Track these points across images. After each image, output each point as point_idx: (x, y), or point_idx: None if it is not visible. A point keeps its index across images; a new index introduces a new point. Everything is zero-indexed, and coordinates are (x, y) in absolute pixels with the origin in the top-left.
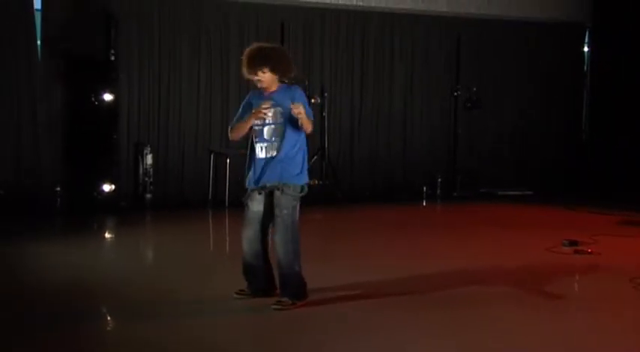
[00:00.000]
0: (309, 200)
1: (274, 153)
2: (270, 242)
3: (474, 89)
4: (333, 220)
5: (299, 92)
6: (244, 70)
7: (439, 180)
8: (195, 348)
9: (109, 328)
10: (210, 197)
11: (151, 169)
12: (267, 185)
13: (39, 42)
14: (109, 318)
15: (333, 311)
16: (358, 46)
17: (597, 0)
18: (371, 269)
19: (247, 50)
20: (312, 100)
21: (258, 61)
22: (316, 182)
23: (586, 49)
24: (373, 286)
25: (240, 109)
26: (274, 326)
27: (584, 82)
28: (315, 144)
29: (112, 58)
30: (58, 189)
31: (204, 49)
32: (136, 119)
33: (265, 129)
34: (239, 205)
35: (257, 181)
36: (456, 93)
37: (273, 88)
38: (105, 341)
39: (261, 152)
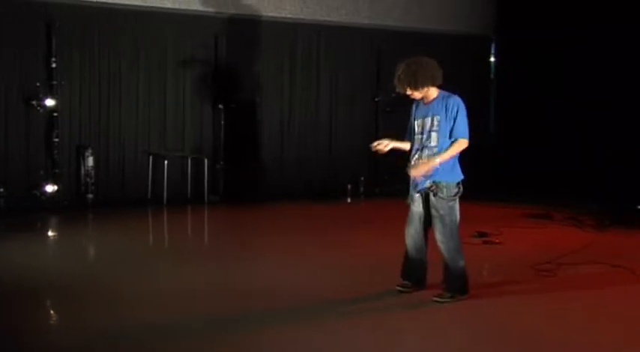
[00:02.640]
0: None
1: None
2: (428, 239)
3: (393, 95)
4: (257, 217)
5: (459, 107)
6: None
7: (362, 178)
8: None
9: (51, 322)
10: (149, 196)
11: (93, 170)
12: (423, 188)
13: None
14: (51, 312)
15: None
16: (287, 55)
17: (500, 14)
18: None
19: (397, 69)
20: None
21: (404, 82)
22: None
23: (492, 59)
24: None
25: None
26: (249, 325)
27: (491, 89)
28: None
29: (54, 65)
30: (2, 189)
31: (143, 55)
32: (77, 123)
33: (421, 136)
34: (176, 204)
35: (415, 186)
36: (376, 99)
37: (433, 96)
38: (48, 339)
39: (416, 157)
